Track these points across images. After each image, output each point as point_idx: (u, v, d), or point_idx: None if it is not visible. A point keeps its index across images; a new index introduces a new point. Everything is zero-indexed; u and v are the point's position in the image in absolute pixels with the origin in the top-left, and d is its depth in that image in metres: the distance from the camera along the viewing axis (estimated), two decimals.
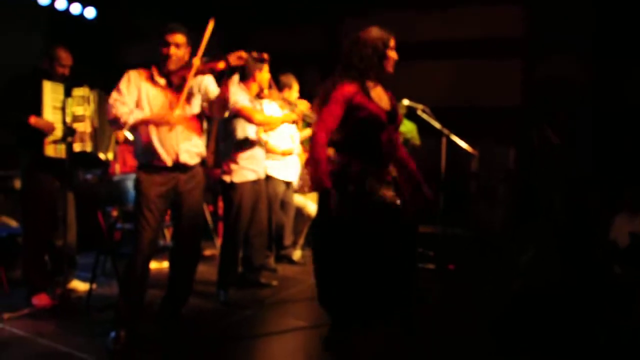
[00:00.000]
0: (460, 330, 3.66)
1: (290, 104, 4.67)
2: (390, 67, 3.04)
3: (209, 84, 3.37)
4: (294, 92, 4.91)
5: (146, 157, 3.24)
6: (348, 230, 2.86)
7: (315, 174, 2.84)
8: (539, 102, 6.16)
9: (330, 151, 2.95)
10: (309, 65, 7.23)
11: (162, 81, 3.24)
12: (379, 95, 3.05)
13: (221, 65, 3.19)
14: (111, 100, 3.18)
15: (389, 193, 2.94)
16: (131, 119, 3.15)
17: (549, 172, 5.72)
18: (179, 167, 3.27)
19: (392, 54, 3.03)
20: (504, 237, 6.06)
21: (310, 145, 2.93)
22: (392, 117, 3.04)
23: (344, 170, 2.91)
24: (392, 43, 3.02)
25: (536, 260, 5.03)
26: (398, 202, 2.96)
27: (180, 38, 3.22)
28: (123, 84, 3.20)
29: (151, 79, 3.23)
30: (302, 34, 7.39)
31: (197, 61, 3.16)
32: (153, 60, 3.28)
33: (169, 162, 3.23)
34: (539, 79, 6.31)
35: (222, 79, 3.27)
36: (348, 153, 2.94)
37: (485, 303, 4.20)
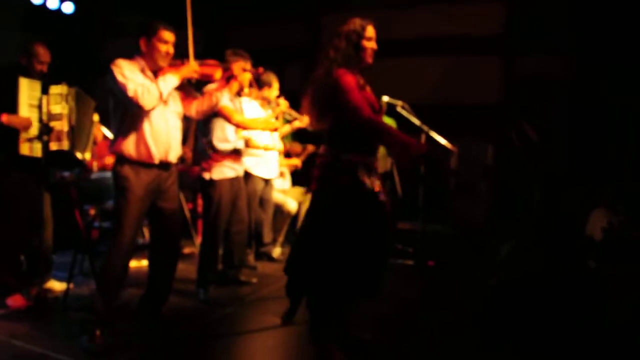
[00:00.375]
0: (440, 324, 3.70)
1: (270, 102, 4.66)
2: (368, 58, 3.00)
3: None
4: (274, 90, 4.89)
5: (135, 152, 3.15)
6: (341, 219, 2.88)
7: (401, 141, 2.77)
8: (518, 99, 6.21)
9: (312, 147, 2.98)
10: (291, 62, 7.23)
11: (152, 77, 3.19)
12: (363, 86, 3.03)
13: (218, 75, 3.26)
14: (133, 88, 3.02)
15: (377, 183, 2.95)
16: (164, 88, 3.10)
17: (527, 168, 5.78)
18: (164, 165, 3.24)
19: (369, 44, 2.98)
20: (483, 233, 6.11)
21: (376, 129, 2.85)
22: (380, 106, 3.08)
23: (334, 161, 2.92)
24: (368, 33, 2.97)
25: (514, 255, 5.09)
26: (383, 195, 2.98)
27: (173, 37, 3.20)
28: (126, 70, 3.08)
29: (143, 72, 3.18)
30: (283, 30, 7.36)
31: (193, 64, 3.19)
32: (132, 56, 3.22)
33: (157, 160, 3.18)
34: (518, 76, 6.35)
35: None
36: (338, 144, 2.94)
37: (465, 298, 4.24)
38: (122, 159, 3.16)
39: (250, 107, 4.60)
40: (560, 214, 5.42)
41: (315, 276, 2.99)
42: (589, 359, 3.19)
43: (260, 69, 3.70)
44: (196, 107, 3.43)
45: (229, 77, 3.41)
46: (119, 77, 3.05)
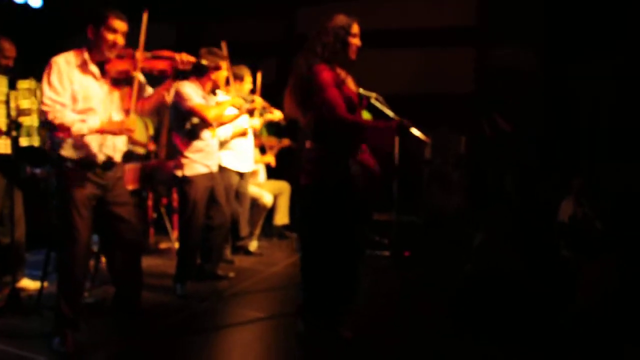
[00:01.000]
0: (416, 314, 3.75)
1: (244, 99, 4.63)
2: (352, 54, 3.09)
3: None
4: (246, 84, 4.86)
5: (76, 152, 2.99)
6: (332, 212, 3.05)
7: (377, 130, 2.99)
8: (491, 90, 6.29)
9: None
10: (266, 56, 7.19)
11: (96, 70, 3.01)
12: (346, 79, 3.11)
13: (162, 65, 3.07)
14: (48, 102, 2.86)
15: (358, 172, 3.06)
16: (86, 130, 2.89)
17: (500, 158, 5.87)
18: (109, 164, 3.11)
19: (354, 41, 3.07)
20: (457, 222, 6.19)
21: (350, 126, 2.98)
22: (360, 100, 3.18)
23: (323, 156, 3.04)
24: (353, 30, 3.06)
25: (487, 244, 5.17)
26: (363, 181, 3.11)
27: (125, 27, 3.01)
28: (54, 78, 2.89)
29: (83, 66, 2.99)
30: (259, 25, 7.32)
31: (139, 55, 3.01)
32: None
33: (100, 160, 3.05)
34: (491, 67, 6.43)
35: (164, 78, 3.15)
36: (324, 140, 3.03)
37: (441, 287, 4.30)
38: (60, 160, 3.00)
39: (222, 98, 4.57)
40: (533, 204, 5.52)
41: (308, 265, 3.17)
42: (559, 346, 3.27)
43: (209, 63, 3.54)
44: (144, 106, 3.21)
45: (177, 75, 3.15)
46: (44, 83, 2.90)
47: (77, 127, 2.89)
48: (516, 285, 4.04)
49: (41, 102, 2.90)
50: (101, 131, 2.97)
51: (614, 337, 3.27)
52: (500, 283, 4.11)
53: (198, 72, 3.93)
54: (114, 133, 3.03)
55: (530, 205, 5.44)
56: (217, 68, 4.08)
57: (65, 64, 2.94)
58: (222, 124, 4.27)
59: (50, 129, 2.95)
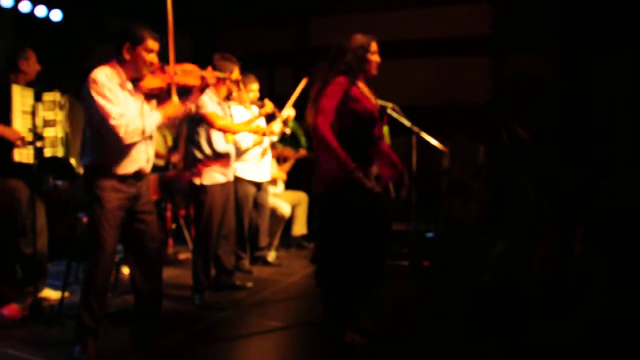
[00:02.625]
0: (434, 323, 3.72)
1: (254, 103, 4.64)
2: (373, 70, 3.27)
3: None
4: (249, 91, 4.81)
5: (116, 163, 3.04)
6: (346, 217, 3.19)
7: (339, 161, 3.05)
8: (507, 98, 6.26)
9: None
10: (279, 66, 7.24)
11: (131, 87, 3.08)
12: (368, 94, 3.29)
13: (192, 81, 3.19)
14: (116, 116, 2.89)
15: (376, 185, 3.22)
16: (155, 123, 3.06)
17: (519, 167, 5.82)
18: (141, 175, 3.17)
19: (374, 58, 3.25)
20: (477, 232, 6.14)
21: (317, 139, 3.12)
22: (381, 114, 3.31)
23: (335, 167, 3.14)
24: (373, 47, 3.24)
25: (507, 254, 5.12)
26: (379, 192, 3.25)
27: (158, 46, 3.09)
28: (107, 92, 2.92)
29: (123, 84, 3.04)
30: (273, 35, 7.38)
31: (171, 71, 3.10)
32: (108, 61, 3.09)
33: (133, 170, 3.10)
34: (507, 75, 6.40)
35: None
36: (343, 150, 3.11)
37: (459, 297, 4.25)
38: (97, 170, 3.05)
39: (237, 112, 4.60)
40: (554, 213, 5.45)
41: (330, 266, 3.31)
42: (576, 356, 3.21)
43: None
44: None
45: (203, 89, 3.30)
46: (99, 100, 2.90)
47: (148, 127, 3.03)
48: (534, 296, 4.01)
49: (105, 121, 2.91)
50: (166, 118, 3.11)
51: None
52: (519, 294, 4.10)
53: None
54: (176, 117, 3.17)
55: (551, 214, 5.37)
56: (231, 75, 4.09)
57: (107, 79, 2.97)
58: (231, 132, 4.26)
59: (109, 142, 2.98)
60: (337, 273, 3.24)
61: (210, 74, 3.27)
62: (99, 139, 3.02)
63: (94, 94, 2.92)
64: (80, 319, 3.06)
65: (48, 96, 3.84)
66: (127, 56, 3.03)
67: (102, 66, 3.03)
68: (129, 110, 3.01)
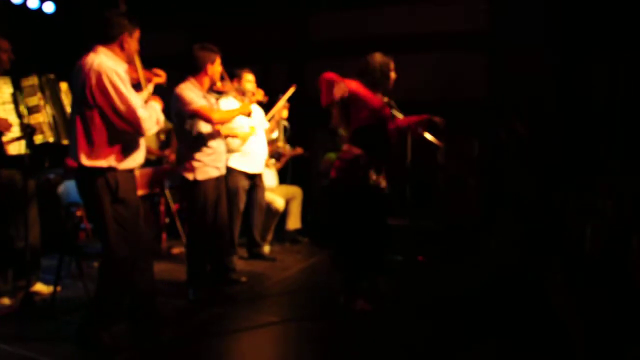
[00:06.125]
0: (429, 318, 3.70)
1: (244, 93, 4.59)
2: (391, 84, 3.88)
3: None
4: (244, 82, 4.76)
5: (131, 157, 3.10)
6: (351, 205, 3.76)
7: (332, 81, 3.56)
8: (504, 95, 6.24)
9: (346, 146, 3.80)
10: (276, 62, 7.19)
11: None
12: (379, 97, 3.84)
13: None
14: (140, 108, 2.96)
15: (383, 181, 3.75)
16: (159, 115, 3.16)
17: (516, 163, 5.83)
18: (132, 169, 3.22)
19: (393, 75, 3.86)
20: (473, 228, 6.13)
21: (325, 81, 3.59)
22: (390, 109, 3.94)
23: (355, 160, 3.69)
24: (391, 66, 3.83)
25: (501, 249, 5.13)
26: (385, 188, 3.79)
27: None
28: (121, 85, 2.94)
29: (125, 72, 3.08)
30: (270, 32, 7.32)
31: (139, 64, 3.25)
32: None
33: (141, 161, 3.25)
34: (504, 71, 6.38)
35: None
36: (360, 147, 3.70)
37: (454, 293, 4.25)
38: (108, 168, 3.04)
39: (227, 104, 4.54)
40: (551, 209, 5.45)
41: (342, 246, 3.92)
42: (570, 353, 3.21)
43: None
44: None
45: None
46: (124, 91, 2.94)
47: (159, 113, 3.16)
48: (526, 291, 4.02)
49: (132, 112, 2.94)
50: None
51: None
52: (512, 289, 4.11)
53: (194, 71, 4.00)
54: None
55: (547, 210, 5.37)
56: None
57: (120, 69, 3.01)
58: (226, 121, 4.23)
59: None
60: (354, 245, 3.74)
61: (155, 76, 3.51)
62: (114, 132, 2.99)
63: (119, 85, 2.93)
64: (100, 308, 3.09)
65: (27, 81, 3.75)
66: (125, 46, 3.08)
67: (108, 56, 3.03)
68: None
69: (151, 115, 3.04)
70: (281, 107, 5.21)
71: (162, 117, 3.17)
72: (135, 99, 2.97)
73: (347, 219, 3.80)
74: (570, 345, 3.18)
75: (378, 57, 3.76)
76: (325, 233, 6.07)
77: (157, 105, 3.16)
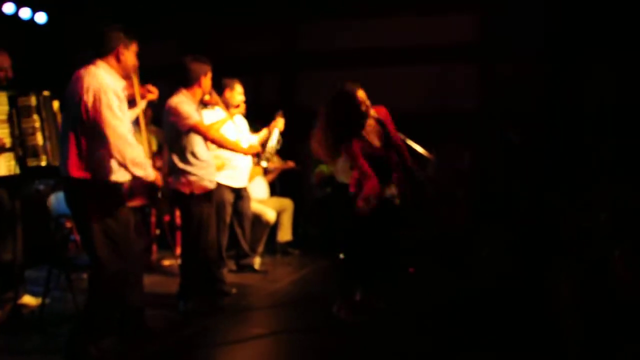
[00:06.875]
0: (420, 329, 3.70)
1: (230, 107, 4.60)
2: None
3: None
4: (235, 93, 4.74)
5: (124, 175, 3.09)
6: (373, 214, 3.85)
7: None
8: (495, 105, 6.28)
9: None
10: (268, 71, 7.21)
11: (122, 96, 3.05)
12: (372, 135, 3.96)
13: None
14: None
15: (392, 191, 3.97)
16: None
17: (508, 173, 5.86)
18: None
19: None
20: (463, 239, 6.14)
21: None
22: (387, 142, 4.03)
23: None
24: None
25: (490, 259, 5.14)
26: (397, 199, 4.01)
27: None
28: (116, 108, 2.91)
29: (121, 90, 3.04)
30: (260, 41, 7.34)
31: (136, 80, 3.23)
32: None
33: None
34: (495, 81, 6.43)
35: None
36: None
37: (444, 303, 4.25)
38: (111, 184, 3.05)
39: (211, 115, 4.49)
40: (543, 217, 5.46)
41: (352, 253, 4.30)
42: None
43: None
44: None
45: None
46: (112, 121, 2.90)
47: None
48: (516, 300, 4.02)
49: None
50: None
51: None
52: (502, 299, 4.11)
53: (186, 83, 3.97)
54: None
55: (540, 219, 5.38)
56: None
57: (116, 91, 2.96)
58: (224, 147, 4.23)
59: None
60: (367, 255, 3.96)
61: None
62: (105, 146, 2.94)
63: (104, 109, 2.87)
64: (92, 320, 3.05)
65: (23, 101, 3.68)
66: (121, 57, 3.03)
67: (102, 71, 2.98)
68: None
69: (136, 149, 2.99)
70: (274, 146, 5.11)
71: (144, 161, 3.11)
72: (126, 127, 2.96)
73: (364, 230, 3.94)
74: (567, 351, 3.19)
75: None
76: (322, 244, 6.09)
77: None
